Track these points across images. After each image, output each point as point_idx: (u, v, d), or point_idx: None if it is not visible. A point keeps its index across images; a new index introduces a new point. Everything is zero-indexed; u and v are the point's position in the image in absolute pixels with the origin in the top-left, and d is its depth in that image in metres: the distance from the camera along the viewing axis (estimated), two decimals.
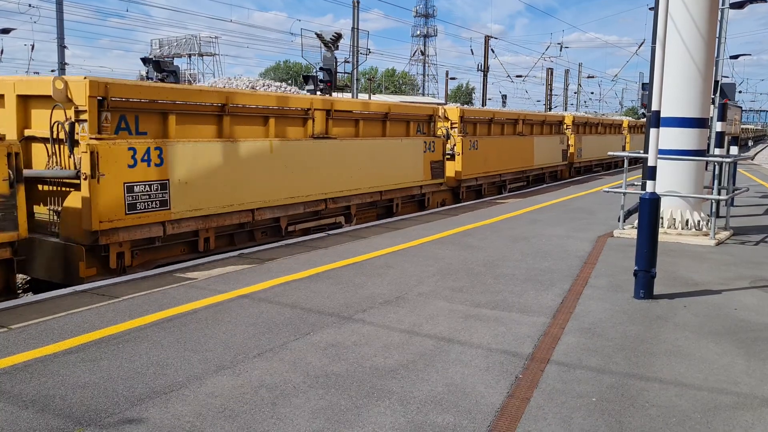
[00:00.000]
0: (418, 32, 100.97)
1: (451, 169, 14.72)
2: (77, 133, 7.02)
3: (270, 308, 5.64)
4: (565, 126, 22.85)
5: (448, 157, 14.51)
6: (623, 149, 29.69)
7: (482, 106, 42.95)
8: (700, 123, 9.47)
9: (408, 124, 12.90)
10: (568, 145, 22.70)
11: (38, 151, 7.51)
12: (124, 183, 7.17)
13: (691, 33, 9.20)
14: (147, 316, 5.34)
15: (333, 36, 23.40)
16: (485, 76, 42.35)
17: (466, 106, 21.11)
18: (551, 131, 21.06)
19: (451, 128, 14.90)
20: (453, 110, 15.08)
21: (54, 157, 7.26)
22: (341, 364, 4.40)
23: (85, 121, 6.98)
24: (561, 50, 51.11)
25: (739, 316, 5.73)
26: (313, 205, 10.22)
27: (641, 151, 11.00)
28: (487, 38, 42.62)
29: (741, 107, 16.65)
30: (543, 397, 3.94)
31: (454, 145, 14.76)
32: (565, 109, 60.78)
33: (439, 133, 14.31)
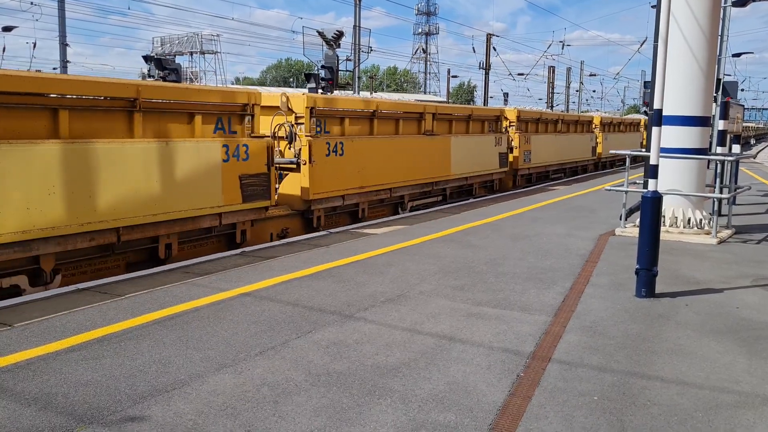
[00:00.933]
0: (420, 30, 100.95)
1: (296, 184, 10.33)
2: None
3: (272, 306, 5.65)
4: (508, 123, 18.19)
5: (291, 167, 10.39)
6: (593, 152, 25.53)
7: (484, 104, 42.92)
8: (702, 121, 9.46)
9: (192, 119, 8.27)
10: (510, 148, 17.89)
11: None
12: None
13: (694, 31, 9.18)
14: (149, 314, 5.35)
15: (335, 34, 23.40)
16: (487, 74, 42.33)
17: (323, 93, 15.32)
18: (482, 129, 16.36)
19: (297, 125, 10.45)
20: (298, 98, 10.45)
21: None
22: (343, 362, 4.41)
23: None
24: (563, 48, 51.13)
25: (740, 315, 5.73)
26: None
27: (643, 150, 10.99)
28: (488, 36, 42.60)
29: (743, 105, 16.64)
30: (544, 396, 3.95)
31: (300, 150, 10.28)
32: (567, 108, 60.68)
33: (280, 132, 10.41)
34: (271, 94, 10.88)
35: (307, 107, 10.33)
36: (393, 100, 14.64)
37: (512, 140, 18.15)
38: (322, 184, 10.53)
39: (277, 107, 10.39)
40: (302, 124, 10.39)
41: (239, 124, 9.02)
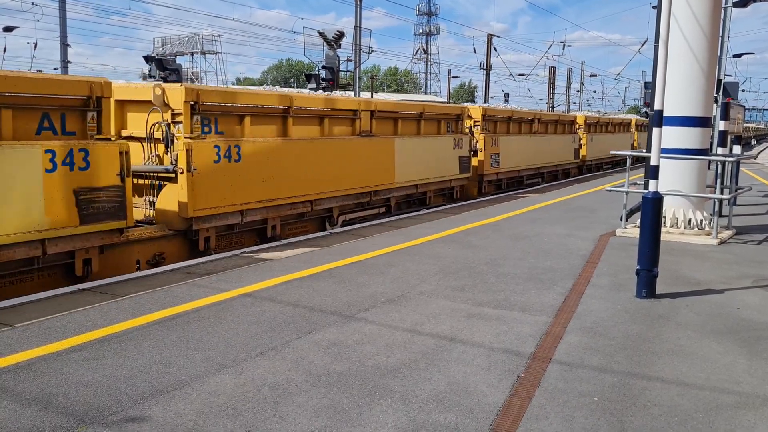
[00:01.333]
0: (421, 30, 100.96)
1: (174, 198, 8.21)
2: None
3: (272, 307, 5.66)
4: (472, 123, 16.19)
5: (169, 176, 8.30)
6: (576, 154, 23.21)
7: (485, 104, 42.86)
8: (703, 122, 9.47)
9: None
10: (473, 150, 15.76)
11: None
12: None
13: (694, 31, 9.18)
14: (150, 315, 5.35)
15: (335, 34, 23.43)
16: (487, 74, 42.34)
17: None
18: (439, 130, 14.29)
19: (174, 124, 8.30)
20: (174, 91, 8.24)
21: None
22: (343, 362, 4.41)
23: None
24: (564, 49, 51.07)
25: (741, 316, 5.73)
26: None
27: (644, 150, 10.99)
28: (489, 36, 42.61)
29: (744, 106, 16.64)
30: (545, 396, 3.95)
31: (177, 155, 8.15)
32: (567, 109, 60.64)
33: (157, 134, 8.41)
34: (140, 86, 8.96)
35: (186, 102, 8.13)
36: (320, 95, 12.39)
37: (477, 142, 16.06)
38: (210, 198, 8.36)
39: (151, 102, 8.27)
40: (180, 122, 8.20)
41: (80, 123, 6.99)
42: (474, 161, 15.86)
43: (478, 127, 16.26)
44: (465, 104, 18.88)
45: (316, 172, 10.20)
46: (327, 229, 10.63)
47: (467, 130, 15.64)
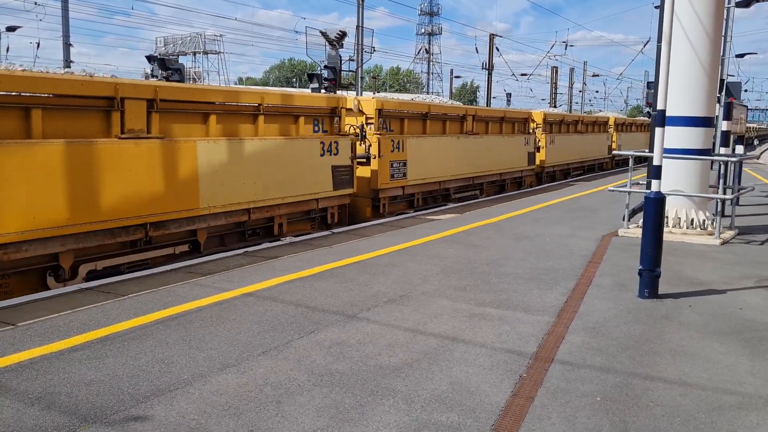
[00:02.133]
0: (423, 30, 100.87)
1: None
2: None
3: (274, 306, 5.66)
4: (365, 120, 12.34)
5: None
6: (531, 159, 19.06)
7: (487, 105, 42.82)
8: (706, 122, 9.45)
9: None
10: (365, 157, 11.91)
11: None
12: None
13: (697, 31, 9.17)
14: (152, 314, 5.36)
15: (337, 34, 23.41)
16: (490, 74, 42.32)
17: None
18: (296, 131, 10.29)
19: None
20: None
21: None
22: (346, 362, 4.41)
23: None
24: (566, 49, 51.08)
25: (743, 316, 5.72)
26: None
27: (646, 150, 10.98)
28: (491, 36, 42.59)
29: (747, 106, 16.63)
30: (547, 397, 3.94)
31: None
32: (570, 109, 60.50)
33: None
34: None
35: None
36: (30, 73, 6.85)
37: (370, 146, 12.06)
38: None
39: None
40: None
41: None
42: (365, 171, 12.05)
43: (372, 126, 12.36)
44: (348, 95, 14.57)
45: (8, 197, 6.28)
46: (50, 287, 6.75)
47: (349, 130, 11.58)
